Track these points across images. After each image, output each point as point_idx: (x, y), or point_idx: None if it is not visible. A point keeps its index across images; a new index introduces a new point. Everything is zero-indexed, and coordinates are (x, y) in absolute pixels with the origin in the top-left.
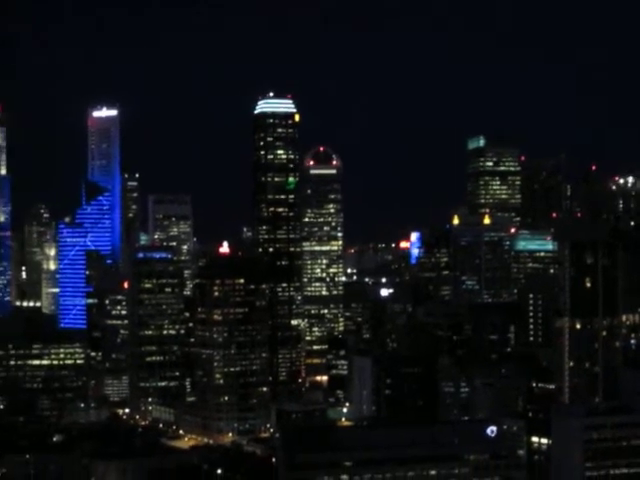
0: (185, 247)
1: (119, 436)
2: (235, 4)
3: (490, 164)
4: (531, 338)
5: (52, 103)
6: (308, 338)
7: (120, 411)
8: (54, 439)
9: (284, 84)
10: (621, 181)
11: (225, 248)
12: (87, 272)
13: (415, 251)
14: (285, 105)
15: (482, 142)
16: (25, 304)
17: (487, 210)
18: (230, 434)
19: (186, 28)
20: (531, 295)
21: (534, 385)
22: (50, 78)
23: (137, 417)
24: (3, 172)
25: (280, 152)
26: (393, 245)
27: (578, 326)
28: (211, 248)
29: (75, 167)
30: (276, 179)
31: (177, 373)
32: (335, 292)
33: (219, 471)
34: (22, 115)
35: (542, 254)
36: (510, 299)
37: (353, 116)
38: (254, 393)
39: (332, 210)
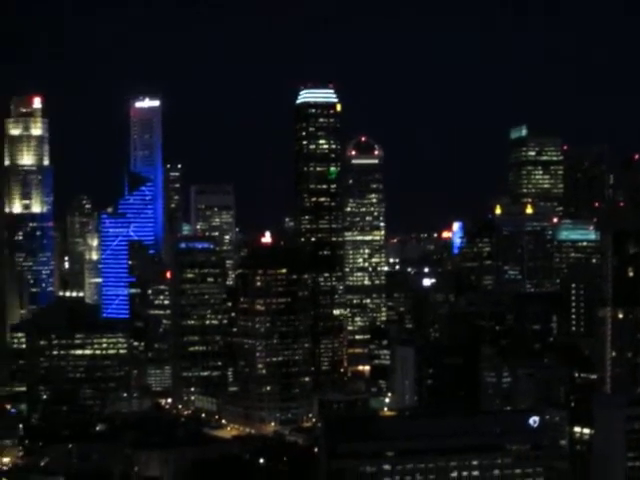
0: (227, 237)
1: (161, 426)
2: None
3: (532, 154)
4: (573, 328)
5: (94, 94)
6: (350, 328)
7: (162, 401)
8: (97, 429)
9: (326, 74)
10: None
11: (267, 238)
12: (130, 262)
13: (457, 241)
14: (327, 95)
15: (524, 132)
16: (68, 294)
17: (529, 200)
18: (272, 424)
19: (227, 17)
20: (573, 285)
21: (576, 375)
22: (92, 69)
23: (179, 407)
24: (46, 163)
25: (322, 142)
26: (435, 235)
27: (620, 316)
28: (253, 238)
29: (117, 158)
30: (318, 169)
31: (219, 363)
32: (377, 282)
33: (261, 461)
34: (64, 106)
35: (585, 244)
36: (552, 289)
37: (395, 106)
38: (296, 383)
39: (374, 200)
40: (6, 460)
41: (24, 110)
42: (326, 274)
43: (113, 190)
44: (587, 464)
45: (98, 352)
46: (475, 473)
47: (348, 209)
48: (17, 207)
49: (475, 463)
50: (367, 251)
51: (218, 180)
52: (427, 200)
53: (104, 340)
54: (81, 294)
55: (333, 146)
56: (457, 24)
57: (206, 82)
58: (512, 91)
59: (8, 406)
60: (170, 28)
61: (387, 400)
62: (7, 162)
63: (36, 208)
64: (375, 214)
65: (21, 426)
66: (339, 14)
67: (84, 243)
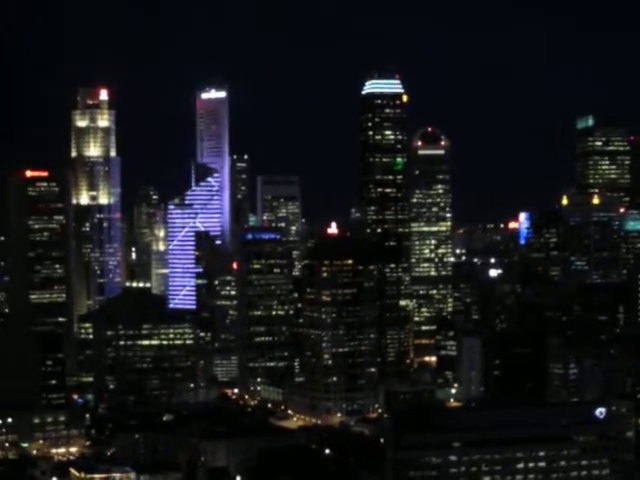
0: (294, 228)
1: (228, 416)
2: None
3: (599, 144)
4: None
5: (161, 85)
6: (417, 319)
7: (229, 391)
8: (163, 419)
9: (392, 64)
10: None
11: (333, 229)
12: (196, 253)
13: (524, 231)
14: (392, 86)
15: (591, 122)
16: (135, 285)
17: (596, 190)
18: (338, 414)
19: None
20: None
21: None
22: (158, 60)
23: (246, 397)
24: (112, 154)
25: (388, 133)
26: (502, 225)
27: None
28: (319, 229)
29: (184, 149)
30: (384, 160)
31: (286, 353)
32: (444, 272)
33: (327, 451)
34: (131, 97)
35: None
36: (619, 279)
37: (462, 96)
38: (362, 374)
39: (440, 190)
40: (73, 450)
41: (91, 102)
42: (392, 265)
43: (180, 181)
44: None
45: (165, 342)
46: (541, 464)
47: (414, 200)
48: (84, 198)
49: (541, 454)
50: (433, 242)
51: (284, 171)
52: (493, 191)
53: (171, 330)
54: (148, 285)
55: (399, 137)
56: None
57: (272, 72)
58: (579, 81)
59: (75, 396)
60: (236, 19)
61: (453, 391)
62: (74, 154)
63: (103, 199)
64: (441, 205)
65: (88, 416)
66: (409, 6)
67: (151, 234)
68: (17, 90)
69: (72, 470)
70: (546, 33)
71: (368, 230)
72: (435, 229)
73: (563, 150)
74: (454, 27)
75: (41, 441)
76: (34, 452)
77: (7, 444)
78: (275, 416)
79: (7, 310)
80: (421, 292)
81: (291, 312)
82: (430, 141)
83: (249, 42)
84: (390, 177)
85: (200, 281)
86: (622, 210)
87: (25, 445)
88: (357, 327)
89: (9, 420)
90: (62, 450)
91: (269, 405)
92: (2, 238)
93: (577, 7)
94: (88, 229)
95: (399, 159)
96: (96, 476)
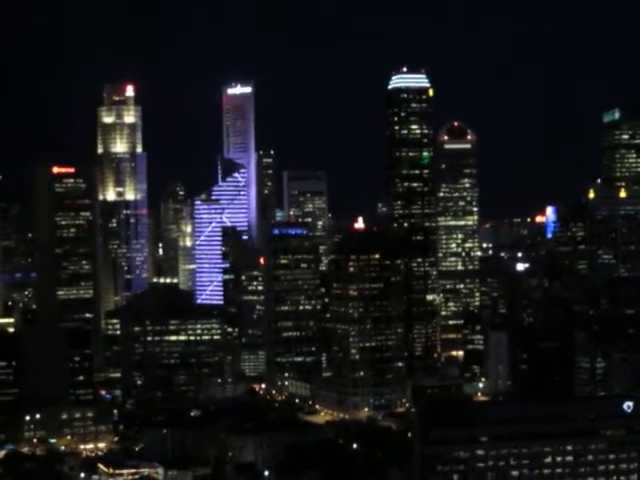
0: (320, 223)
1: (256, 411)
2: None
3: (626, 137)
4: None
5: (186, 81)
6: (444, 313)
7: (257, 386)
8: (191, 414)
9: (417, 58)
10: None
11: (360, 224)
12: (223, 248)
13: (551, 225)
14: (419, 80)
15: (617, 115)
16: (162, 280)
17: (623, 183)
18: (366, 409)
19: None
20: None
21: None
22: (185, 56)
23: (273, 392)
24: (139, 150)
25: (414, 127)
26: (528, 219)
27: None
28: (346, 224)
29: (211, 144)
30: (410, 154)
31: (313, 348)
32: (471, 267)
33: (355, 446)
34: (157, 93)
35: None
36: None
37: (488, 90)
38: (390, 368)
39: (467, 185)
40: (101, 445)
41: (117, 98)
42: (419, 259)
43: (206, 176)
44: None
45: (192, 338)
46: (569, 458)
47: (441, 194)
48: (111, 194)
49: (569, 448)
50: (460, 236)
51: (311, 166)
52: (520, 185)
53: (198, 326)
54: (175, 280)
55: (425, 131)
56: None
57: (298, 67)
58: (606, 74)
59: (103, 392)
60: (262, 15)
61: (480, 385)
62: (100, 150)
63: (130, 195)
64: (468, 199)
65: (116, 412)
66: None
67: (178, 230)
68: (43, 88)
69: (100, 466)
70: (575, 23)
71: (395, 224)
72: (462, 223)
73: (589, 143)
74: (481, 18)
75: (69, 437)
76: (62, 448)
77: (35, 440)
78: (303, 411)
79: (35, 306)
80: (448, 286)
81: (318, 307)
82: (456, 135)
83: (274, 38)
84: (417, 171)
85: (227, 276)
86: None
87: (53, 441)
88: (384, 322)
89: (37, 416)
90: (90, 446)
91: (297, 400)
92: (30, 235)
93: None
94: (115, 225)
95: (425, 153)
96: (124, 472)
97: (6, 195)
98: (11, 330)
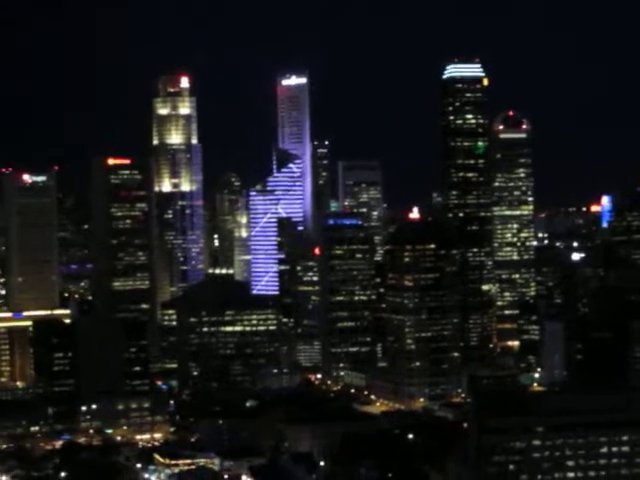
0: (375, 213)
1: (311, 401)
2: None
3: None
4: None
5: (241, 72)
6: (499, 303)
7: (312, 376)
8: (247, 404)
9: (472, 48)
10: None
11: (415, 214)
12: (278, 239)
13: (606, 214)
14: (473, 69)
15: None
16: (218, 271)
17: None
18: (421, 399)
19: None
20: None
21: None
22: (239, 47)
23: (329, 382)
24: (194, 141)
25: (469, 117)
26: (584, 208)
27: None
28: (401, 214)
29: (265, 135)
30: (465, 144)
31: (368, 339)
32: (526, 256)
33: (410, 436)
34: (211, 84)
35: None
36: None
37: (543, 79)
38: (445, 358)
39: (522, 174)
40: (157, 436)
41: (172, 90)
42: (474, 249)
43: (261, 167)
44: None
45: (248, 328)
46: (625, 448)
47: (496, 184)
48: (166, 186)
49: (625, 438)
50: (516, 226)
51: (366, 156)
52: (575, 174)
53: (254, 317)
54: (231, 271)
55: (480, 121)
56: None
57: (352, 58)
58: None
59: (159, 382)
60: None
61: (536, 375)
62: (156, 141)
63: (185, 186)
64: (523, 188)
65: (172, 402)
66: None
67: (233, 220)
68: (100, 79)
69: (156, 456)
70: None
71: (450, 214)
72: (517, 213)
73: None
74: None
75: (125, 427)
76: (118, 438)
77: (92, 430)
78: (358, 401)
79: (91, 297)
80: (503, 276)
81: (373, 297)
82: (511, 125)
83: (329, 27)
84: (472, 161)
85: (282, 267)
86: None
87: (109, 431)
88: (440, 312)
89: (94, 407)
90: (146, 436)
91: (352, 390)
92: (85, 226)
93: None
94: (171, 216)
95: (480, 143)
96: (180, 462)
97: (62, 186)
98: (67, 321)
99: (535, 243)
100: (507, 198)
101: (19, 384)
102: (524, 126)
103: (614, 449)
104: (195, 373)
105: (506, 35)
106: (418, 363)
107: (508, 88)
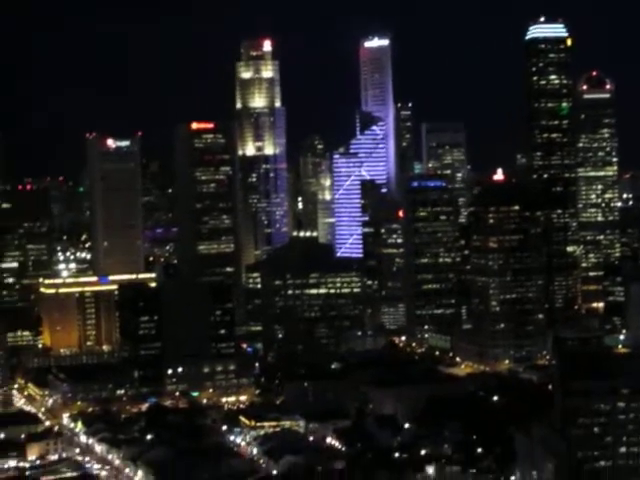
0: (459, 175)
1: (396, 364)
2: None
3: None
4: None
5: (323, 35)
6: (584, 265)
7: (396, 339)
8: (332, 367)
9: (556, 8)
10: None
11: (499, 175)
12: (362, 202)
13: None
14: (557, 30)
15: None
16: (302, 234)
17: None
18: (506, 361)
19: None
20: None
21: None
22: (319, 9)
23: (413, 345)
24: (277, 104)
25: (553, 77)
26: None
27: None
28: (485, 175)
29: (348, 98)
30: (549, 105)
31: (453, 301)
32: (611, 218)
33: (495, 398)
34: (294, 47)
35: None
36: None
37: (625, 38)
38: (530, 320)
39: (606, 135)
40: (243, 398)
41: (254, 53)
42: (559, 211)
43: (345, 130)
44: None
45: (332, 291)
46: None
47: (580, 145)
48: (250, 149)
49: None
50: (600, 187)
51: (449, 118)
52: None
53: (338, 279)
54: (315, 234)
55: (564, 81)
56: None
57: (434, 19)
58: None
59: (244, 345)
60: None
61: (621, 337)
62: (239, 105)
63: (269, 150)
64: (607, 149)
65: (257, 365)
66: None
67: (317, 183)
68: (183, 44)
69: (242, 418)
70: None
71: (534, 176)
72: (602, 174)
73: None
74: None
75: (211, 390)
76: (204, 401)
77: (178, 393)
78: (443, 363)
79: (176, 261)
80: (588, 238)
81: (458, 259)
82: (595, 85)
83: None
84: (556, 122)
85: (366, 229)
86: None
87: (195, 394)
88: (524, 273)
89: (179, 370)
90: (232, 399)
91: (436, 353)
92: (170, 190)
93: None
94: (254, 180)
95: (564, 104)
96: (265, 424)
97: (146, 151)
98: (153, 285)
99: (620, 204)
100: (591, 159)
101: (105, 348)
102: (608, 86)
103: None
104: (280, 336)
105: None
106: (503, 325)
107: (592, 48)
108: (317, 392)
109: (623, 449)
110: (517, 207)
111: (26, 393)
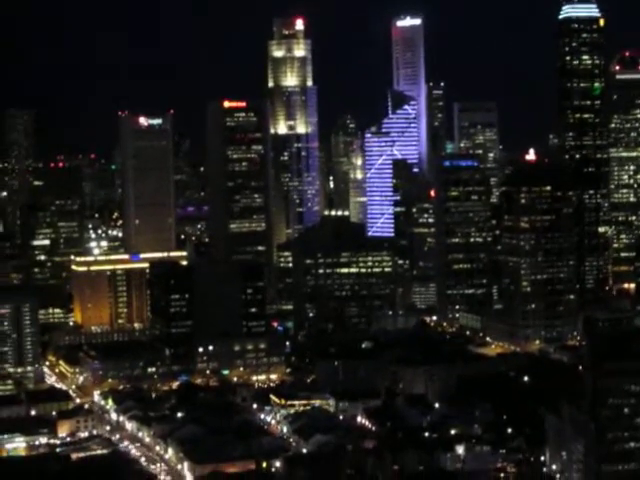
0: (491, 155)
1: (427, 343)
2: None
3: None
4: None
5: (356, 14)
6: (615, 245)
7: (427, 318)
8: (362, 346)
9: None
10: None
11: (531, 155)
12: (394, 181)
13: None
14: (590, 9)
15: None
16: (333, 213)
17: None
18: (537, 342)
19: None
20: None
21: None
22: None
23: (444, 324)
24: (309, 83)
25: (585, 57)
26: None
27: None
28: (517, 155)
29: (380, 77)
30: (582, 85)
31: (484, 281)
32: None
33: (526, 378)
34: (327, 26)
35: None
36: None
37: None
38: (561, 301)
39: (639, 115)
40: (273, 377)
41: (286, 32)
42: (590, 191)
43: (377, 109)
44: None
45: (363, 270)
46: None
47: (612, 125)
48: (282, 128)
49: None
50: (632, 167)
51: (481, 97)
52: None
53: (369, 258)
54: (346, 213)
55: (597, 62)
56: None
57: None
58: None
59: (275, 324)
60: None
61: None
62: (271, 84)
63: (301, 129)
64: None
65: (288, 343)
66: None
67: (348, 162)
68: (215, 23)
69: (272, 397)
70: None
71: (566, 156)
72: (634, 154)
73: None
74: None
75: (242, 368)
76: (235, 379)
77: (208, 371)
78: (473, 343)
79: (207, 240)
80: (620, 218)
81: (489, 239)
82: (628, 65)
83: None
84: (588, 102)
85: (398, 209)
86: None
87: (226, 372)
88: (556, 254)
89: (210, 348)
90: (262, 377)
91: (467, 332)
92: (202, 169)
93: None
94: (286, 158)
95: (597, 84)
96: (296, 402)
97: (178, 130)
98: (184, 263)
99: None
100: (624, 139)
101: (136, 326)
102: None
103: None
104: (311, 314)
105: None
106: (534, 305)
107: (624, 28)
108: (347, 371)
109: None
110: (549, 187)
111: (57, 370)
